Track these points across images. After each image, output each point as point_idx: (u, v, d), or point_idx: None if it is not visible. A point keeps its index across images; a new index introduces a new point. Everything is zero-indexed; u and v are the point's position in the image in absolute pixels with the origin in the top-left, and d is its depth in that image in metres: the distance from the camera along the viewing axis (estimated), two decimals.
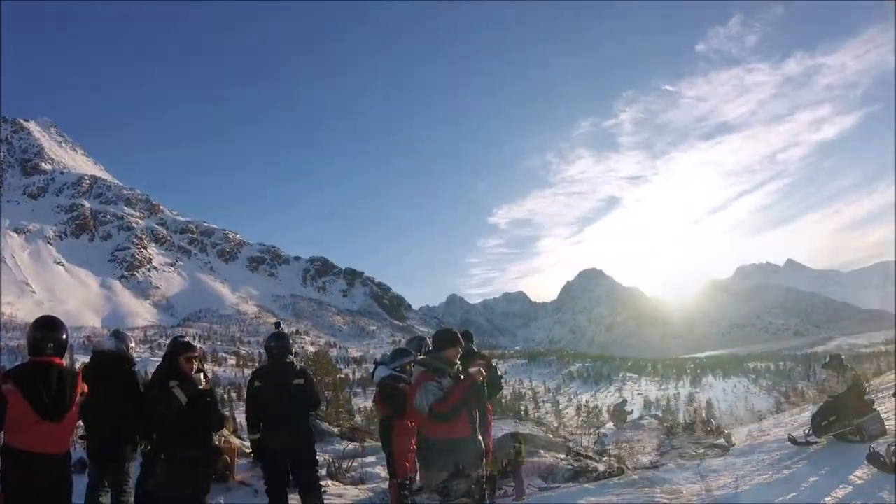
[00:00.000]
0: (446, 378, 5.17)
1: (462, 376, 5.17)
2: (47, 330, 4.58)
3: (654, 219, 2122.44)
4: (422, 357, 5.99)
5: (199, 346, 6.11)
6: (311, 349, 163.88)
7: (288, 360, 6.48)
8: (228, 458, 8.36)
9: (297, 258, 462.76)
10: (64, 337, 4.67)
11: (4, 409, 4.21)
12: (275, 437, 6.14)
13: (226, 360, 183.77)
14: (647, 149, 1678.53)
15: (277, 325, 7.17)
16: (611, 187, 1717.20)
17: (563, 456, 11.08)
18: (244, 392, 6.98)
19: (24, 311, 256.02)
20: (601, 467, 9.53)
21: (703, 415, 36.43)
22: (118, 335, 6.31)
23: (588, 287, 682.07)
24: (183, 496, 5.15)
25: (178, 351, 5.54)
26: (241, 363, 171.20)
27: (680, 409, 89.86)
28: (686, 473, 8.44)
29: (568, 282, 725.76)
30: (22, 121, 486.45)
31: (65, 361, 4.66)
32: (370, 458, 10.62)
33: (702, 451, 10.30)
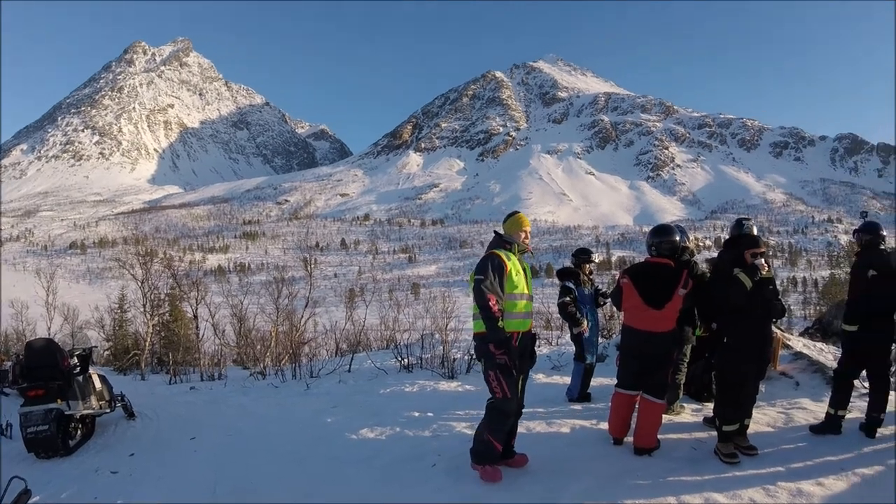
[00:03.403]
0: None
1: None
2: (655, 236, 5.57)
3: None
4: None
5: (763, 240, 5.91)
6: (846, 238, 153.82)
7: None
8: (775, 348, 7.91)
9: (823, 138, 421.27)
10: (675, 239, 5.51)
11: (620, 296, 5.61)
12: (871, 331, 5.69)
13: None
14: None
15: (864, 214, 6.75)
16: None
17: None
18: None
19: (564, 217, 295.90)
20: None
21: None
22: (679, 228, 6.44)
23: None
24: (747, 372, 5.29)
25: (745, 245, 5.42)
26: (771, 254, 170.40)
27: None
28: None
29: None
30: (531, 63, 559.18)
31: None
32: None
33: None
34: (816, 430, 5.84)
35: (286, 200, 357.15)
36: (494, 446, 4.90)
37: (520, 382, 4.99)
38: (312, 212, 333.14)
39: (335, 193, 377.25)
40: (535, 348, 5.33)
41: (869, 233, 6.03)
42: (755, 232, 5.93)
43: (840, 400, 5.80)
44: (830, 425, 5.76)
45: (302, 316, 16.62)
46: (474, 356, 6.28)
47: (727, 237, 5.95)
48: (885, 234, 6.08)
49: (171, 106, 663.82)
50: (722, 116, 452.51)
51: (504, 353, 4.74)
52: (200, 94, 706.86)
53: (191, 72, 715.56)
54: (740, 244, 5.46)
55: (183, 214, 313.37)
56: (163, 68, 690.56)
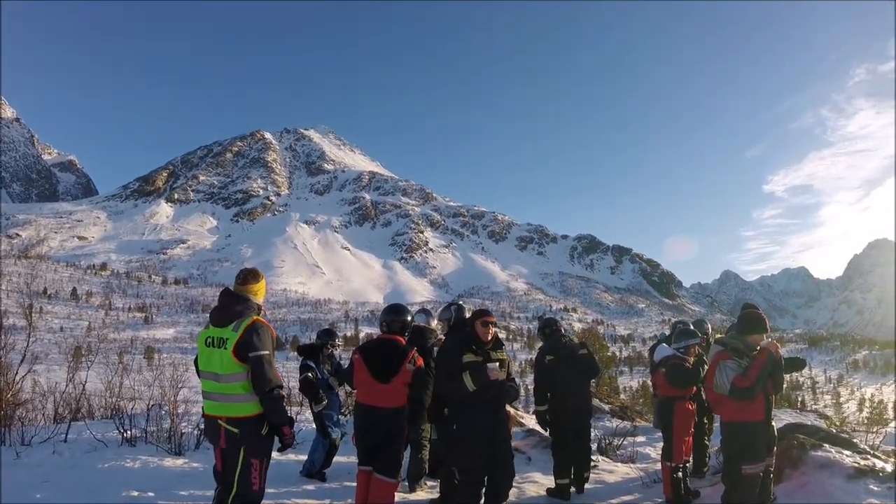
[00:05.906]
0: (745, 360, 5.02)
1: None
2: (387, 314, 5.82)
3: None
4: (720, 337, 5.86)
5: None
6: (579, 326, 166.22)
7: (564, 336, 7.41)
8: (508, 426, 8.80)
9: (565, 236, 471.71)
10: (405, 318, 5.82)
11: (351, 373, 5.75)
12: (564, 407, 6.92)
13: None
14: None
15: (542, 315, 7.79)
16: None
17: (848, 453, 10.45)
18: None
19: (315, 290, 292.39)
20: (889, 468, 8.93)
21: None
22: (425, 311, 7.23)
23: (878, 261, 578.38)
24: (475, 463, 5.30)
25: (476, 317, 5.64)
26: (511, 337, 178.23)
27: None
28: None
29: (855, 255, 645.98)
30: (303, 130, 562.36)
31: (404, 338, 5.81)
32: (641, 438, 10.63)
33: None
34: (550, 493, 7.00)
35: (17, 234, 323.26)
36: None
37: None
38: (45, 252, 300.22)
39: (73, 235, 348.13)
40: None
41: (548, 326, 7.48)
42: (466, 314, 6.42)
43: (560, 470, 6.96)
44: (558, 493, 6.90)
45: (17, 372, 12.90)
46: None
47: (453, 320, 6.59)
48: (561, 326, 7.50)
49: None
50: (476, 208, 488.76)
51: (291, 437, 4.48)
52: None
53: None
54: (470, 320, 5.69)
55: None
56: None
